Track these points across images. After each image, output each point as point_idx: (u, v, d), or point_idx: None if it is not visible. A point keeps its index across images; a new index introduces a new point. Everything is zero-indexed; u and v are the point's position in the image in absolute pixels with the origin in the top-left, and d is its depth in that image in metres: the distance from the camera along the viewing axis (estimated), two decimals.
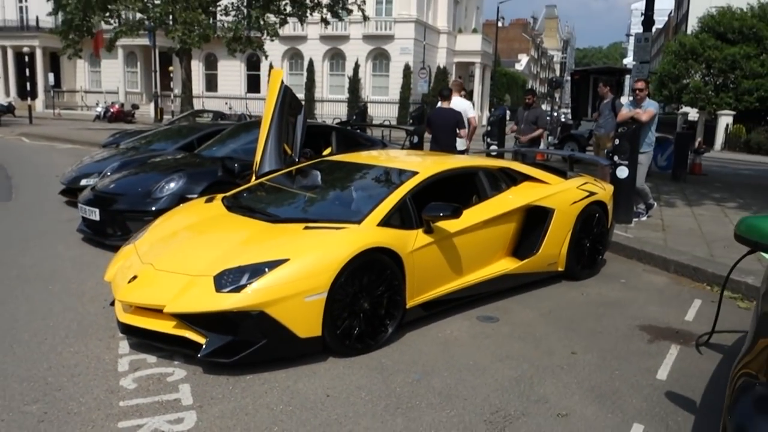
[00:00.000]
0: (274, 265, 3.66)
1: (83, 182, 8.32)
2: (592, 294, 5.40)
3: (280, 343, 3.66)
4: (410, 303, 4.26)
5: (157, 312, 3.74)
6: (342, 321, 3.85)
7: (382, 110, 34.45)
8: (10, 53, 41.64)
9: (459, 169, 5.19)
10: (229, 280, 3.63)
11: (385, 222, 4.24)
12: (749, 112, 29.09)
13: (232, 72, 40.49)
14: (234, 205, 4.82)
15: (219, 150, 7.65)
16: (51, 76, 38.39)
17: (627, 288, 5.64)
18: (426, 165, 5.10)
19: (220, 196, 5.11)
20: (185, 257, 4.04)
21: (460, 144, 8.75)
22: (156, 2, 20.92)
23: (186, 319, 3.62)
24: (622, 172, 7.50)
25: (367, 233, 4.07)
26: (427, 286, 4.42)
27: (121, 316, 3.94)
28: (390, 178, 4.89)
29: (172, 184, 6.36)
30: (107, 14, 21.42)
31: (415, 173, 4.74)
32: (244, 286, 3.57)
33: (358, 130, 11.04)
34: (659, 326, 4.68)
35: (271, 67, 38.11)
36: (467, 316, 4.71)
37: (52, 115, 35.68)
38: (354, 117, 20.64)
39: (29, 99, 32.53)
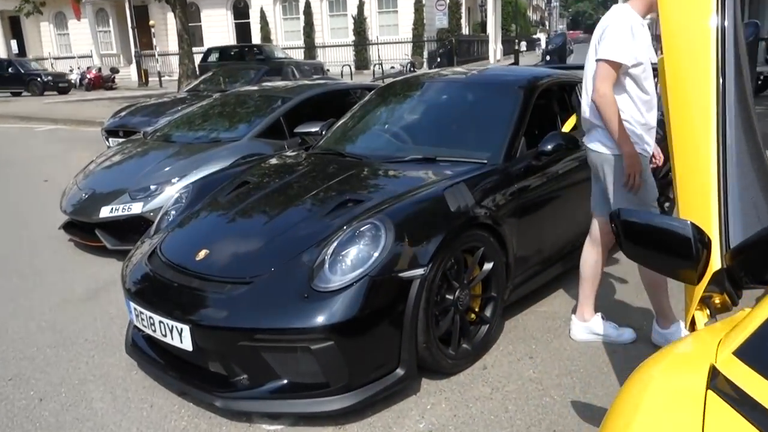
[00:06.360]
0: None
1: (103, 213, 4.75)
2: None
3: None
4: None
5: None
6: None
7: (391, 51, 30.47)
8: None
9: None
10: None
11: None
12: None
13: (218, 22, 35.88)
14: None
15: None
16: (14, 44, 33.75)
17: None
18: None
19: None
20: None
21: None
22: None
23: None
24: None
25: None
26: None
27: None
28: None
29: (376, 254, 2.65)
30: None
31: None
32: None
33: None
34: None
35: (262, 12, 33.69)
36: None
37: None
38: (438, 60, 16.52)
39: None
